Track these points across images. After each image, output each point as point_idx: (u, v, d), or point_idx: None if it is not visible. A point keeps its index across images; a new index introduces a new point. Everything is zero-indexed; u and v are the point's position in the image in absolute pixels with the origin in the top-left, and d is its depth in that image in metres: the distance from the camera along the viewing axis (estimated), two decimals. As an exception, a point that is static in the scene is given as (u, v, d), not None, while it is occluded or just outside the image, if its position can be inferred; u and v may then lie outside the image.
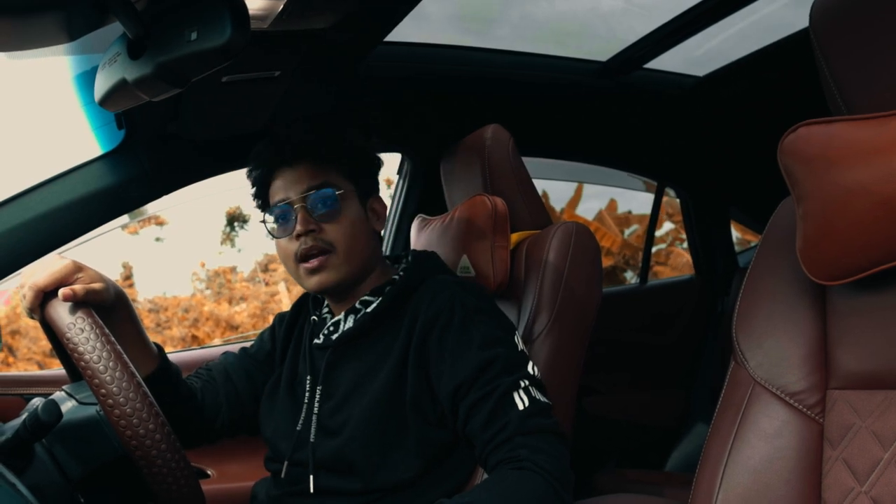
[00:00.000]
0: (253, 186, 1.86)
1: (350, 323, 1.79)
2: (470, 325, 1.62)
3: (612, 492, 2.44)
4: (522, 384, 1.58)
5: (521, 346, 1.66)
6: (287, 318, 1.98)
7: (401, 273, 1.81)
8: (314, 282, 1.74)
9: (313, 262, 1.72)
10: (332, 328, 1.82)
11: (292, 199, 1.74)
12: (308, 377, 1.80)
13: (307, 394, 1.79)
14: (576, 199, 16.28)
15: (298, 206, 1.73)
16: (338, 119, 1.85)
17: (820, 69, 1.23)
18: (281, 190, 1.78)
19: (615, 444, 3.59)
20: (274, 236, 1.78)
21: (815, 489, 1.22)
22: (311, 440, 1.72)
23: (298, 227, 1.72)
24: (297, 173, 1.77)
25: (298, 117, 1.83)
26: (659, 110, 3.21)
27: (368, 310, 1.78)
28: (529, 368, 1.62)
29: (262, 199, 1.84)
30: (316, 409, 1.75)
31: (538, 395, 1.59)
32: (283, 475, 1.74)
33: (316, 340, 1.83)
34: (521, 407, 1.55)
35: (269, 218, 1.78)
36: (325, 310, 1.90)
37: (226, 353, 2.00)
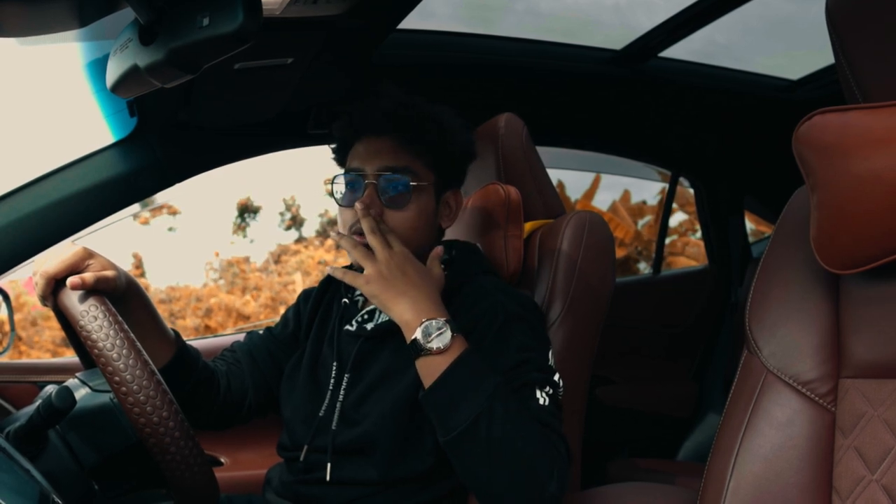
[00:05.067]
0: (335, 143, 1.83)
1: (385, 315, 1.76)
2: (507, 332, 1.61)
3: (624, 480, 2.44)
4: (548, 389, 1.57)
5: (552, 361, 1.65)
6: (314, 295, 1.96)
7: (443, 267, 1.78)
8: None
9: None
10: (366, 316, 1.81)
11: (366, 173, 1.71)
12: (335, 363, 1.78)
13: (333, 380, 1.77)
14: (592, 190, 16.28)
15: (369, 182, 1.71)
16: (439, 105, 1.80)
17: (836, 56, 1.23)
18: (359, 157, 1.74)
19: (628, 434, 3.59)
20: (338, 203, 1.76)
21: (827, 477, 1.22)
22: (333, 427, 1.71)
23: (360, 205, 1.66)
24: (379, 145, 1.73)
25: (396, 88, 1.80)
26: (674, 99, 3.20)
27: None
28: (556, 378, 1.61)
29: (341, 158, 1.82)
30: (341, 397, 1.74)
31: (555, 406, 1.58)
32: (301, 460, 1.73)
33: (348, 326, 1.82)
34: (541, 402, 1.54)
35: (340, 180, 1.75)
36: (359, 292, 1.88)
37: (250, 334, 1.99)
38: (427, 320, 1.51)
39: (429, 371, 1.51)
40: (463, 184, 1.88)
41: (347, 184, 1.74)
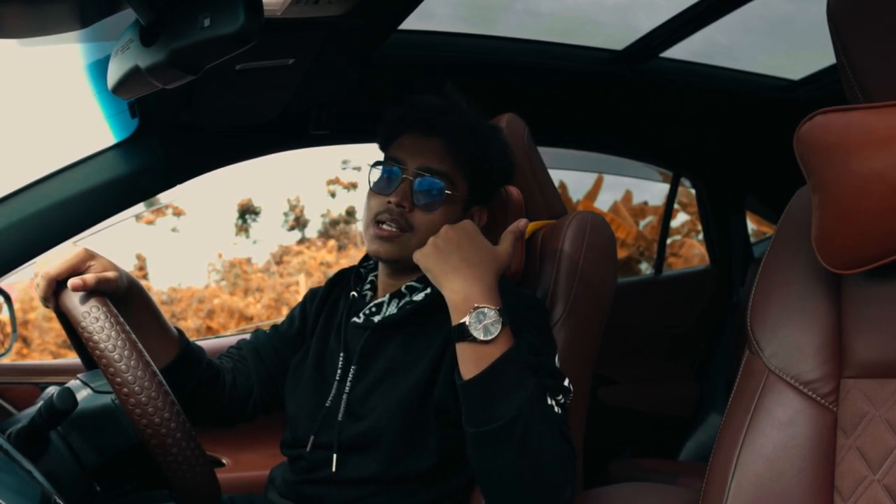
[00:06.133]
0: (384, 125, 1.84)
1: (393, 308, 1.78)
2: (516, 334, 1.56)
3: (625, 480, 2.44)
4: (559, 397, 1.56)
5: (558, 364, 1.64)
6: (320, 293, 1.97)
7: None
8: (376, 247, 1.73)
9: (385, 231, 1.71)
10: (374, 309, 1.81)
11: (406, 167, 1.73)
12: (342, 355, 1.79)
13: (339, 371, 1.77)
14: (595, 191, 16.27)
15: (406, 178, 1.73)
16: (491, 127, 1.86)
17: (837, 56, 1.23)
18: (403, 150, 1.77)
19: (629, 434, 3.59)
20: (371, 187, 1.77)
21: (829, 477, 1.22)
22: (339, 419, 1.71)
23: (393, 198, 1.71)
24: (426, 144, 1.75)
25: (457, 95, 1.85)
26: (675, 99, 3.19)
27: (414, 298, 1.77)
28: (567, 384, 1.60)
29: (385, 144, 1.83)
30: (347, 389, 1.74)
31: (565, 413, 1.57)
32: (307, 450, 1.73)
33: (355, 319, 1.82)
34: (555, 409, 1.53)
35: (379, 167, 1.77)
36: (367, 287, 1.90)
37: (256, 331, 2.00)
38: (479, 307, 1.47)
39: (472, 357, 1.47)
40: (491, 203, 1.90)
41: (385, 171, 1.76)
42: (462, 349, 1.49)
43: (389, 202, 1.71)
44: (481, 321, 1.46)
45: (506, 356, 1.46)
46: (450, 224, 1.67)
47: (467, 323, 1.47)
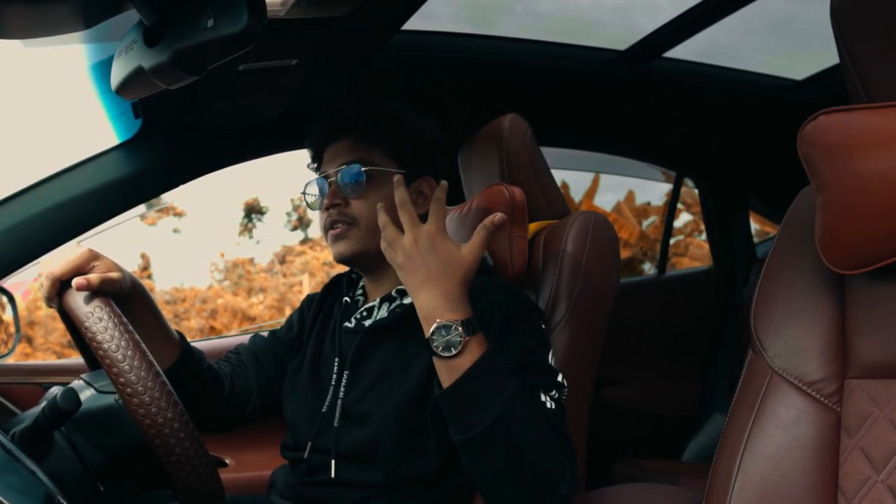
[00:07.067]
0: (311, 159, 1.93)
1: (384, 312, 1.79)
2: (508, 333, 1.59)
3: (628, 481, 2.44)
4: (553, 392, 1.56)
5: (552, 362, 1.64)
6: (317, 299, 1.99)
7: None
8: (336, 250, 1.79)
9: (336, 230, 1.77)
10: (364, 313, 1.82)
11: (328, 174, 1.80)
12: (336, 360, 1.80)
13: (334, 376, 1.78)
14: (593, 190, 16.27)
15: (331, 181, 1.79)
16: (394, 102, 1.90)
17: (840, 55, 1.22)
18: (325, 162, 1.85)
19: (632, 434, 3.59)
20: (310, 207, 1.86)
21: (832, 478, 1.22)
22: (335, 425, 1.72)
23: (326, 201, 1.79)
24: (338, 149, 1.83)
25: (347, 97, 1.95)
26: (678, 99, 3.19)
27: (405, 302, 1.77)
28: (560, 380, 1.60)
29: (317, 166, 1.91)
30: (342, 395, 1.75)
31: (561, 409, 1.57)
32: (305, 456, 1.74)
33: (347, 324, 1.84)
34: (548, 405, 1.53)
35: (312, 187, 1.85)
36: (360, 292, 1.91)
37: (255, 336, 2.02)
38: (441, 324, 1.46)
39: (443, 369, 1.47)
40: (440, 174, 1.86)
41: (318, 188, 1.84)
42: (435, 361, 1.49)
43: (327, 208, 1.78)
44: (443, 336, 1.46)
45: (477, 365, 1.45)
46: (385, 199, 1.69)
47: (430, 339, 1.47)
